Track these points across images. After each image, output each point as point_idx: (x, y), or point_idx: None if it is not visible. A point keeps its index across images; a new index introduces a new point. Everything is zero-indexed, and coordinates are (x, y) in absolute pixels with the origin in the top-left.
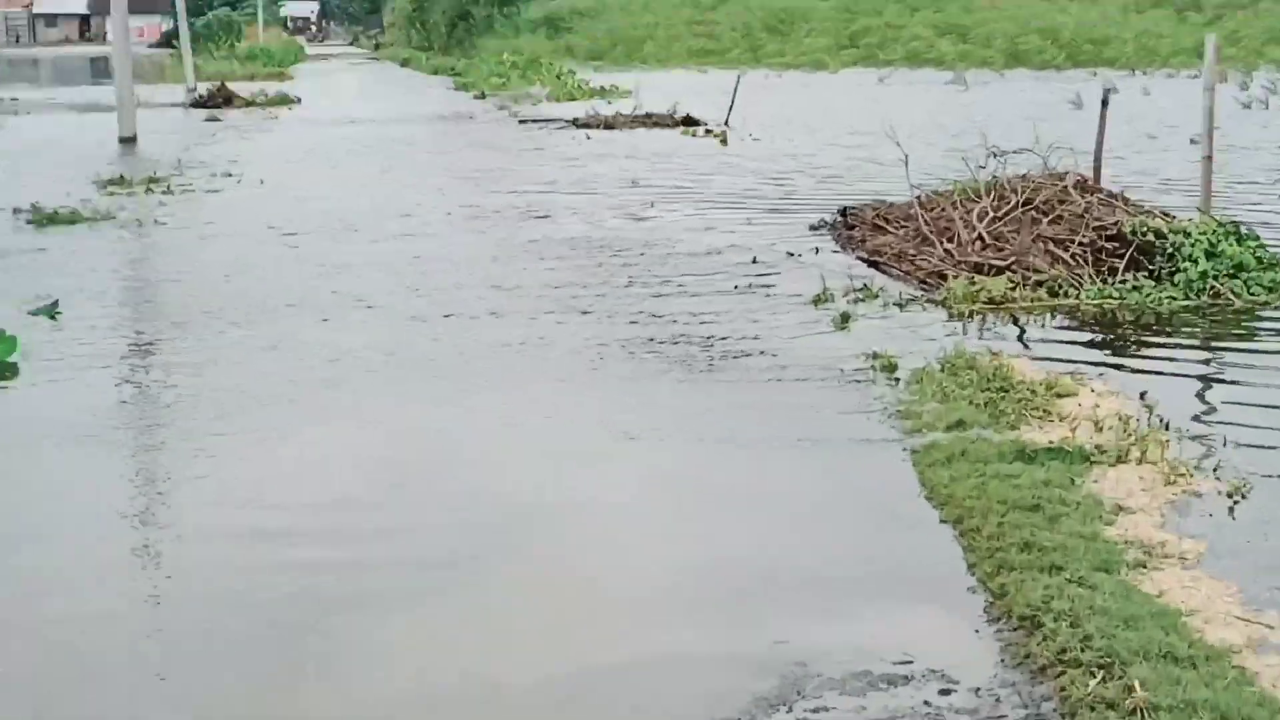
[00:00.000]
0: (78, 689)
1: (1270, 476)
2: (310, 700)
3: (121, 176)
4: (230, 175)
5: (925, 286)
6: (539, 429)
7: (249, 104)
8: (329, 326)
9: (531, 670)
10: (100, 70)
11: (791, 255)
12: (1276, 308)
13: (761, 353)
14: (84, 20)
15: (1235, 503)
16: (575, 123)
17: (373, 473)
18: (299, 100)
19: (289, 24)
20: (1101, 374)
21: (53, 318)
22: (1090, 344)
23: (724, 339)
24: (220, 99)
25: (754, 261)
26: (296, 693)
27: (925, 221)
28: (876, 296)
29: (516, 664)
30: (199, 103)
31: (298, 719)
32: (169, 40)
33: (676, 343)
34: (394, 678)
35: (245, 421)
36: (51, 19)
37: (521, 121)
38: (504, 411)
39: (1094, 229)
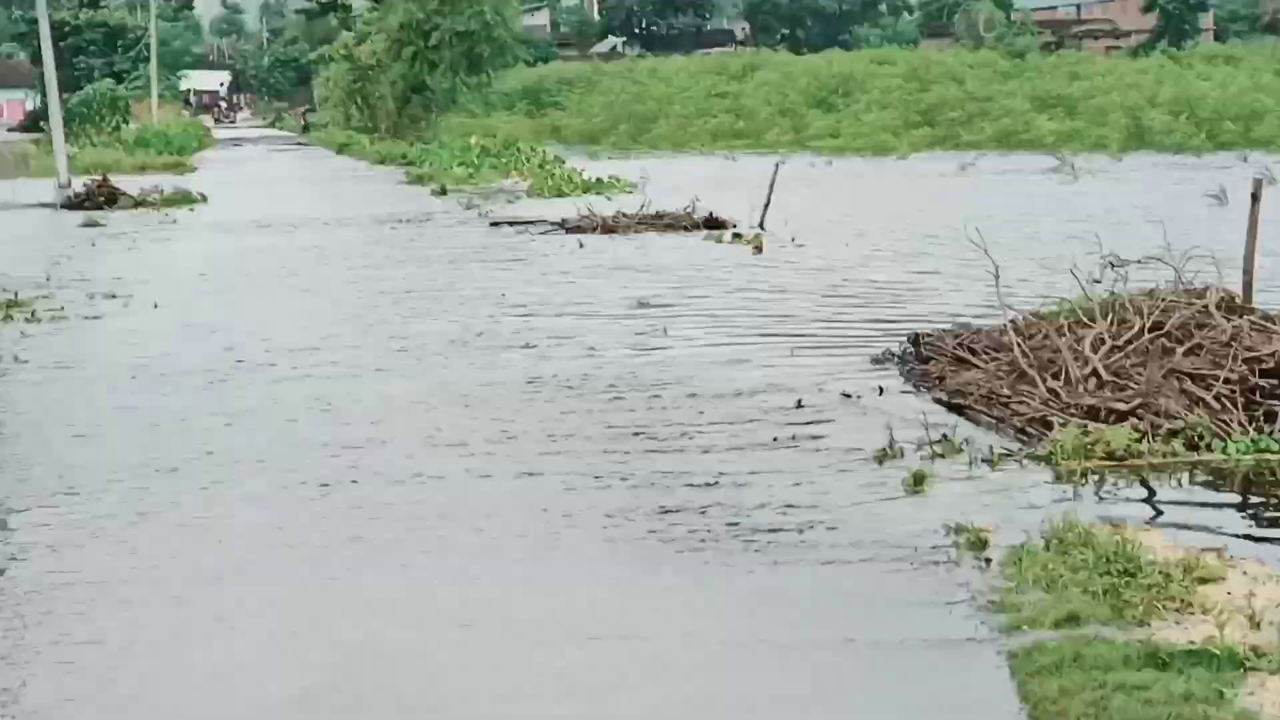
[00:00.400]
0: None
1: None
2: None
3: None
4: (114, 297)
5: (1024, 437)
6: (502, 635)
7: (139, 204)
8: (212, 497)
9: None
10: None
11: (848, 397)
12: None
13: (810, 525)
14: None
15: None
16: (564, 225)
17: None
18: (204, 198)
19: (191, 99)
20: (1258, 553)
21: None
22: (1242, 514)
23: (760, 508)
24: (101, 197)
25: (799, 405)
26: None
27: (1023, 353)
28: (960, 450)
29: None
30: (74, 202)
31: None
32: (35, 122)
33: (696, 513)
34: None
35: (110, 632)
36: None
37: (493, 224)
38: (449, 612)
39: (1245, 361)
